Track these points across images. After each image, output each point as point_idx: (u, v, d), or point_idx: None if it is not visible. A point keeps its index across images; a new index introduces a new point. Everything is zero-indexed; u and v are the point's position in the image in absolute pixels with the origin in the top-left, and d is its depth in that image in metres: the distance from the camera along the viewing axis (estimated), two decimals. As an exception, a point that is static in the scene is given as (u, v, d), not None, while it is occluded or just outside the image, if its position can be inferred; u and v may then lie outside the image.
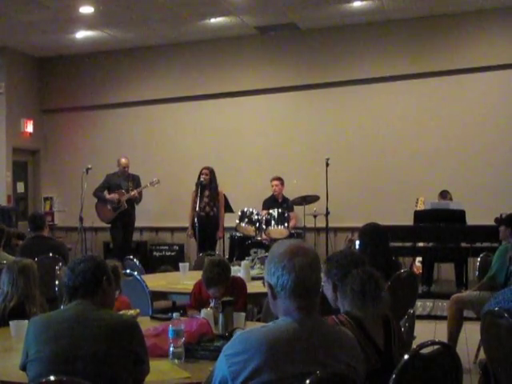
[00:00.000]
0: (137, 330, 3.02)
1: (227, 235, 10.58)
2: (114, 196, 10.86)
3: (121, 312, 4.05)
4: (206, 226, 9.90)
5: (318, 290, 2.58)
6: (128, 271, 5.81)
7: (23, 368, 2.99)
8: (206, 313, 4.30)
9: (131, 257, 7.32)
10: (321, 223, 10.69)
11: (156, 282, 6.38)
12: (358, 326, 3.12)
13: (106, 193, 11.03)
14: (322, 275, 3.22)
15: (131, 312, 4.25)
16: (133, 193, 10.81)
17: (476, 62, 10.93)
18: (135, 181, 11.03)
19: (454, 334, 6.25)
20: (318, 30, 11.66)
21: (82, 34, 11.74)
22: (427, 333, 6.82)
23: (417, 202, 10.23)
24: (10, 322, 3.96)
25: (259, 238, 9.74)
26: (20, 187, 13.12)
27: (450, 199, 10.02)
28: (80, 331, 2.88)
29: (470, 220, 9.35)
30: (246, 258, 7.69)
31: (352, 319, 3.17)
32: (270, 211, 9.86)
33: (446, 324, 6.39)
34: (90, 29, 11.44)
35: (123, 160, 11.06)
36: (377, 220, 6.04)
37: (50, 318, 3.02)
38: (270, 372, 2.35)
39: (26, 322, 3.42)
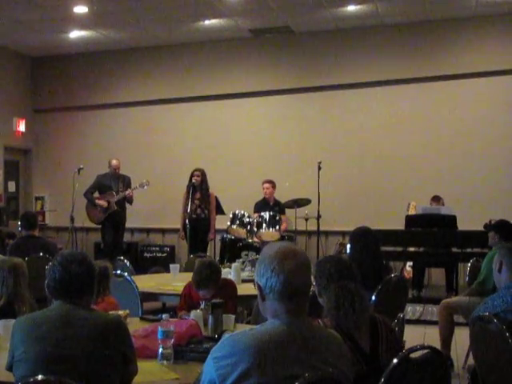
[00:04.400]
0: (123, 329, 3.01)
1: (218, 237, 10.56)
2: (102, 203, 10.85)
3: (111, 312, 4.03)
4: (198, 228, 9.90)
5: (307, 294, 2.57)
6: (118, 272, 5.80)
7: (9, 368, 2.98)
8: (195, 314, 4.29)
9: (122, 257, 7.31)
10: (312, 226, 10.70)
11: (146, 283, 6.36)
12: (341, 329, 3.11)
13: (96, 194, 11.02)
14: (313, 278, 3.23)
15: (120, 313, 4.23)
16: (127, 192, 10.80)
17: (469, 67, 10.98)
18: (126, 182, 11.02)
19: (446, 339, 6.27)
20: (312, 33, 11.68)
21: (75, 34, 11.73)
22: (417, 337, 6.81)
23: (408, 207, 10.25)
24: (-1, 321, 3.94)
25: (250, 241, 9.72)
26: (11, 186, 13.08)
27: (443, 204, 10.05)
28: (66, 331, 2.87)
29: (461, 225, 9.38)
30: (237, 260, 7.67)
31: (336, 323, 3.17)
32: (262, 214, 9.85)
33: (438, 329, 6.39)
34: (84, 29, 11.43)
35: (114, 161, 11.04)
36: (368, 224, 6.04)
37: (36, 318, 3.00)
38: (257, 375, 2.34)
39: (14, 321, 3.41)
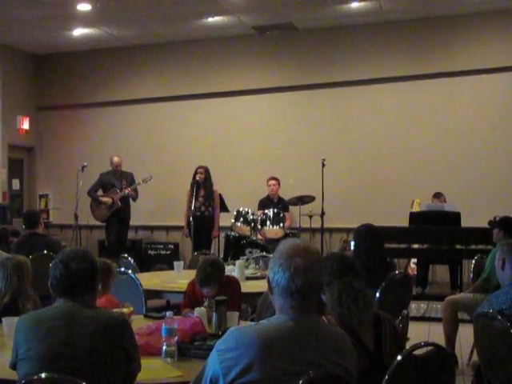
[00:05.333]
0: (126, 327, 3.01)
1: (222, 235, 10.57)
2: (106, 200, 10.86)
3: (115, 310, 4.03)
4: (202, 226, 9.91)
5: (313, 293, 2.54)
6: (122, 269, 5.80)
7: (13, 366, 2.98)
8: (199, 312, 4.29)
9: (126, 255, 7.30)
10: (316, 224, 10.70)
11: (150, 280, 6.36)
12: (344, 326, 3.10)
13: (100, 192, 11.03)
14: None
15: (125, 310, 4.23)
16: (127, 191, 10.80)
17: (472, 64, 10.95)
18: (129, 179, 11.02)
19: (450, 336, 6.26)
20: (315, 30, 11.66)
21: (79, 32, 11.73)
22: (421, 334, 6.81)
23: (412, 204, 10.24)
24: (3, 319, 3.94)
25: (254, 238, 9.74)
26: (15, 184, 13.09)
27: (444, 200, 10.04)
28: (70, 329, 2.87)
29: (465, 222, 9.36)
30: (241, 257, 7.68)
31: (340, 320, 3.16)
32: (266, 211, 9.87)
33: (442, 326, 6.39)
34: (87, 26, 11.43)
35: (115, 159, 11.04)
36: (372, 221, 6.03)
37: (40, 316, 3.00)
38: (261, 369, 2.35)
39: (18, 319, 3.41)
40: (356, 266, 3.55)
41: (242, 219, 9.82)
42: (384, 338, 3.23)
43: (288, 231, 10.08)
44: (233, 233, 10.14)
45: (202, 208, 10.03)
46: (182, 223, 10.36)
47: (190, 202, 9.88)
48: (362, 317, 3.17)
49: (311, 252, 2.54)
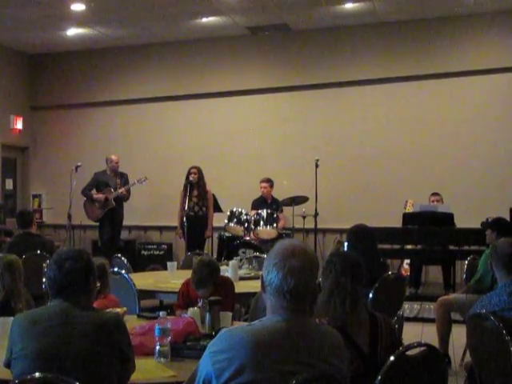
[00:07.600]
0: (121, 327, 3.00)
1: (216, 235, 10.56)
2: (100, 196, 10.85)
3: (108, 310, 4.03)
4: (195, 226, 9.89)
5: (306, 295, 2.51)
6: (116, 269, 5.80)
7: (7, 365, 2.98)
8: (192, 312, 4.29)
9: (119, 255, 7.29)
10: (309, 224, 10.69)
11: (144, 280, 6.36)
12: (339, 329, 3.08)
13: (94, 191, 11.02)
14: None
15: (118, 310, 4.23)
16: (120, 190, 10.80)
17: (467, 65, 10.97)
18: (123, 178, 11.01)
19: (443, 336, 6.27)
20: (309, 31, 11.66)
21: (72, 32, 11.71)
22: (414, 335, 6.82)
23: (406, 205, 10.25)
24: (-4, 319, 3.93)
25: (248, 238, 9.74)
26: (8, 184, 13.06)
27: (441, 199, 10.05)
28: (65, 329, 2.87)
29: (458, 223, 9.38)
30: (235, 257, 7.67)
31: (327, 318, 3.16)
32: (259, 211, 9.87)
33: (436, 327, 6.40)
34: (81, 26, 11.41)
35: (113, 157, 11.03)
36: (365, 222, 6.04)
37: (35, 316, 3.00)
38: (253, 371, 2.34)
39: (12, 318, 3.40)
40: (359, 268, 3.45)
41: (235, 219, 9.82)
42: (379, 339, 3.22)
43: (281, 232, 10.08)
44: (226, 233, 10.15)
45: (196, 208, 10.03)
46: (176, 223, 10.35)
47: (184, 202, 9.88)
48: (350, 319, 3.16)
49: (307, 254, 2.53)
